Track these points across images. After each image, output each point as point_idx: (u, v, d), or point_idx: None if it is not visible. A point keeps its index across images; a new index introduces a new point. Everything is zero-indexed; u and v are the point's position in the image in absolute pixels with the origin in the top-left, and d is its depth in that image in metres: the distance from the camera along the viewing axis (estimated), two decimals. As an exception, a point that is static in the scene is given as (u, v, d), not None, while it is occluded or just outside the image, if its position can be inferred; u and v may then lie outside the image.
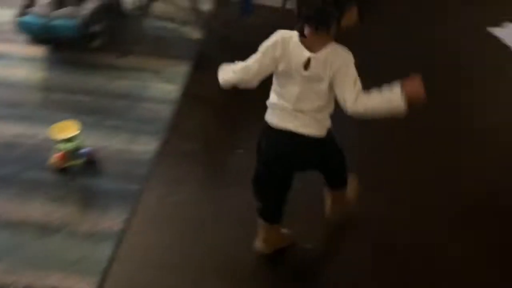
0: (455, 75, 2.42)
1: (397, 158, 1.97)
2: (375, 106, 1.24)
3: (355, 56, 1.27)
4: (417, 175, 1.90)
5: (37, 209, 1.70)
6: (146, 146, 1.95)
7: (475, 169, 1.93)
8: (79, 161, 1.84)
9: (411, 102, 1.23)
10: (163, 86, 2.25)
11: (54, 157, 1.82)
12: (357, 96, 1.24)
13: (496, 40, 2.60)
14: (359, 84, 1.26)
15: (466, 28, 2.68)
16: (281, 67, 1.29)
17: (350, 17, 1.23)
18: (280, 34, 1.30)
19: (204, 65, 2.37)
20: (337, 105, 1.33)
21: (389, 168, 1.92)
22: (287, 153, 1.37)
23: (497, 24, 2.64)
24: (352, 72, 1.25)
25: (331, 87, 1.28)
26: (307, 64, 1.26)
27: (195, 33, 2.51)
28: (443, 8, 2.86)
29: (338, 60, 1.26)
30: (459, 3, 2.90)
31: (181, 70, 2.34)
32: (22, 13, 2.22)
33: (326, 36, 1.25)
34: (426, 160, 1.97)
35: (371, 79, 1.30)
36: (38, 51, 2.39)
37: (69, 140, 1.83)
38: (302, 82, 1.28)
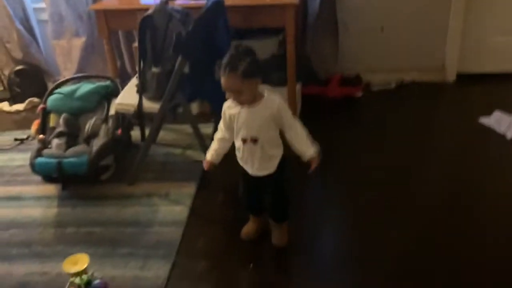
0: (453, 163, 2.52)
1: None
2: None
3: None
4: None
5: None
6: (157, 271, 1.94)
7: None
8: None
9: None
10: (171, 209, 2.29)
11: (68, 293, 1.80)
12: None
13: (487, 128, 2.74)
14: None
15: (460, 123, 2.86)
16: None
17: None
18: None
19: (208, 184, 2.44)
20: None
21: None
22: None
23: (487, 114, 2.81)
24: None
25: None
26: None
27: (198, 156, 2.61)
28: (438, 110, 3.07)
29: None
30: (453, 104, 3.11)
31: (187, 191, 2.40)
32: (37, 155, 2.35)
33: None
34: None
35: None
36: (50, 189, 2.47)
37: (81, 273, 1.82)
38: None
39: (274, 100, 1.77)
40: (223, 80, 1.70)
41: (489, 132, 2.72)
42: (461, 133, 2.78)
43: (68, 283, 1.85)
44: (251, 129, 1.79)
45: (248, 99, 1.75)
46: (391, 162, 2.56)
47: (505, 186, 2.33)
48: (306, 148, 1.79)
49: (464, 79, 3.28)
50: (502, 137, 2.67)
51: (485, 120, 2.81)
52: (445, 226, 2.10)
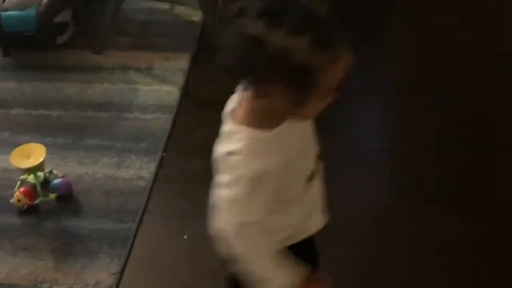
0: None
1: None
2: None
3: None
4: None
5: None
6: (139, 171, 1.98)
7: None
8: (51, 197, 1.88)
9: None
10: (156, 88, 2.30)
11: (18, 194, 1.86)
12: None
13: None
14: None
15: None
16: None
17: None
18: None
19: (209, 56, 2.35)
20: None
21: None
22: None
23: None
24: None
25: None
26: None
27: (192, 14, 2.57)
28: (482, 8, 2.84)
29: None
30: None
31: (179, 64, 2.38)
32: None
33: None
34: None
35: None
36: (-13, 56, 2.46)
37: (36, 169, 1.86)
38: None
39: None
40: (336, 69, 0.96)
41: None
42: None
43: (18, 181, 1.90)
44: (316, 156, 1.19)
45: None
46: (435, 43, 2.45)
47: None
48: None
49: None
50: None
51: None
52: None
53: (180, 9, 2.66)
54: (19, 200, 1.85)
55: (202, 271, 1.71)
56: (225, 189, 1.05)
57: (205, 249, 1.66)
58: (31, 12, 2.26)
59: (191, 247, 1.77)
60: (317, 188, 1.22)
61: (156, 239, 1.81)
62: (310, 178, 1.17)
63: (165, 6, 2.67)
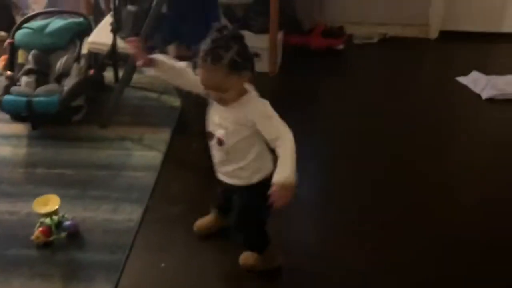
0: (429, 120, 2.57)
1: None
2: None
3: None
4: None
5: (19, 287, 1.68)
6: (129, 215, 1.95)
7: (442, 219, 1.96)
8: (62, 235, 1.84)
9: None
10: (145, 154, 2.28)
11: (38, 232, 1.81)
12: None
13: (463, 86, 2.80)
14: None
15: (438, 80, 2.93)
16: None
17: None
18: None
19: (184, 130, 2.42)
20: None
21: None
22: None
23: (464, 74, 2.86)
24: None
25: None
26: None
27: (174, 101, 2.60)
28: (418, 66, 3.12)
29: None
30: (433, 61, 3.17)
31: (162, 136, 2.38)
32: (5, 93, 2.28)
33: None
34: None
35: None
36: (19, 128, 2.42)
37: (52, 214, 1.83)
38: None
39: (256, 106, 1.41)
40: (201, 73, 1.34)
41: (465, 91, 2.78)
42: (438, 90, 2.84)
43: (38, 223, 1.86)
44: (218, 127, 1.44)
45: (232, 99, 1.38)
46: (368, 115, 2.60)
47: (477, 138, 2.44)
48: (279, 169, 1.36)
49: (448, 36, 3.29)
50: (477, 96, 2.73)
51: (462, 79, 2.85)
52: (414, 171, 2.21)
53: (165, 97, 2.68)
54: (38, 237, 1.80)
55: (180, 286, 1.70)
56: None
57: (179, 274, 1.74)
58: (55, 98, 2.24)
59: (168, 273, 1.75)
60: (214, 151, 1.53)
61: (141, 266, 1.78)
62: (209, 135, 1.49)
63: (154, 95, 2.70)
